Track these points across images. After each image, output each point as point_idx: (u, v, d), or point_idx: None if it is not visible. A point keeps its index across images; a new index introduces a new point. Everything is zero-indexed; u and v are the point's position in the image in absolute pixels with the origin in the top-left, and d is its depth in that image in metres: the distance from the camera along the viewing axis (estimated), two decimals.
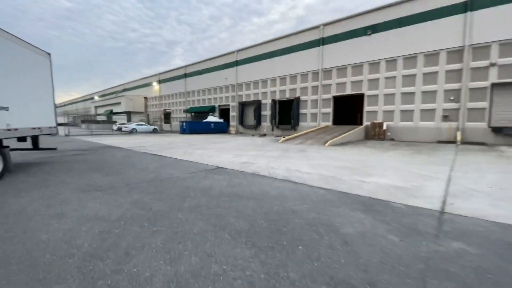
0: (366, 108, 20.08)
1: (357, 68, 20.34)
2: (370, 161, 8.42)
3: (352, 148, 12.85)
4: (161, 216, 3.46)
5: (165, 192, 4.63)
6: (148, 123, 43.30)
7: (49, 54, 8.51)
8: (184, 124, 27.83)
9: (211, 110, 33.32)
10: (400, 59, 18.38)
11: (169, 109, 42.63)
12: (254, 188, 4.93)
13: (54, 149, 8.73)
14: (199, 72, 35.35)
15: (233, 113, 31.08)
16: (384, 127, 18.55)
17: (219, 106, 33.03)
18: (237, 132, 30.23)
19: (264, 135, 25.78)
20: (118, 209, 3.77)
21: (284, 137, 21.74)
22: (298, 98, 23.80)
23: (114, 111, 51.69)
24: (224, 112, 32.95)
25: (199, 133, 27.51)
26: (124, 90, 56.13)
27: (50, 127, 8.11)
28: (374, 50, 19.46)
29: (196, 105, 36.48)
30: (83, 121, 49.24)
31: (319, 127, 21.02)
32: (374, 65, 19.52)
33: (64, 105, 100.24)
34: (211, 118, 30.46)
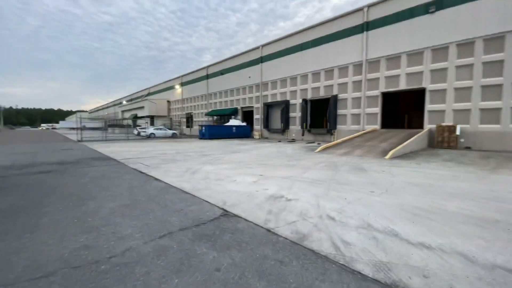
0: (428, 107, 15.54)
1: (415, 56, 15.91)
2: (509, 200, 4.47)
3: (430, 163, 8.74)
4: None
5: None
6: (171, 127, 41.72)
7: None
8: (203, 128, 25.09)
9: (233, 112, 30.36)
10: (479, 41, 13.71)
11: (190, 113, 40.61)
12: None
13: None
14: (221, 72, 32.68)
15: (257, 116, 27.76)
16: (458, 132, 13.92)
17: (242, 108, 29.93)
18: (262, 137, 26.85)
19: (293, 140, 22.08)
20: None
21: (318, 143, 17.89)
22: (335, 97, 19.78)
23: (138, 115, 51.31)
24: (247, 115, 29.79)
25: (219, 138, 24.57)
26: (149, 94, 55.80)
27: None
28: (439, 32, 14.95)
29: (218, 107, 33.81)
30: (109, 126, 49.54)
31: (364, 131, 16.85)
32: (439, 51, 14.99)
33: (97, 110, 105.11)
34: (233, 122, 27.46)
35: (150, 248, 2.69)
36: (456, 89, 14.49)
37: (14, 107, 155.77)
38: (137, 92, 64.57)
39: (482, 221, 3.47)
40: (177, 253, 2.59)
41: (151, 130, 28.93)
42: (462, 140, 14.13)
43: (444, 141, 14.35)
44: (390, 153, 10.20)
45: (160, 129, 29.84)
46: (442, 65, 14.92)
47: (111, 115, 79.35)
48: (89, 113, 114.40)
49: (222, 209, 3.96)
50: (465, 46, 14.16)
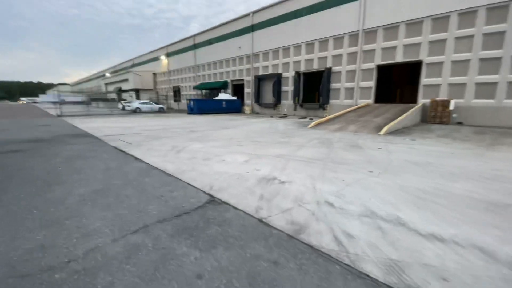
0: (424, 81, 15.11)
1: (414, 26, 15.09)
2: None
3: (425, 139, 8.50)
4: None
5: None
6: (158, 101, 40.06)
7: None
8: (191, 102, 24.03)
9: (223, 86, 29.13)
10: (481, 11, 12.99)
11: (178, 86, 38.87)
12: None
13: None
14: (210, 42, 30.72)
15: (248, 89, 26.76)
16: (451, 107, 13.71)
17: (232, 81, 28.69)
18: (253, 112, 26.14)
19: (285, 115, 21.55)
20: None
21: (311, 119, 17.46)
22: (329, 69, 18.99)
23: (123, 88, 48.87)
24: (238, 88, 28.68)
25: (208, 112, 23.71)
26: (134, 65, 52.71)
27: None
28: (440, 0, 14.06)
29: (207, 80, 32.33)
30: (93, 100, 47.24)
31: (357, 106, 16.45)
32: (440, 21, 14.22)
33: (80, 83, 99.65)
34: (222, 96, 26.42)
35: (120, 248, 2.26)
36: (453, 62, 14.01)
37: None
38: (120, 64, 60.92)
39: (491, 205, 3.20)
40: (152, 253, 2.17)
41: (136, 104, 27.59)
42: (454, 115, 13.99)
43: (437, 116, 14.18)
44: (385, 128, 9.91)
45: (146, 103, 28.51)
46: (441, 36, 14.25)
47: (94, 89, 75.46)
48: (72, 86, 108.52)
49: (209, 194, 3.54)
50: (467, 16, 13.43)
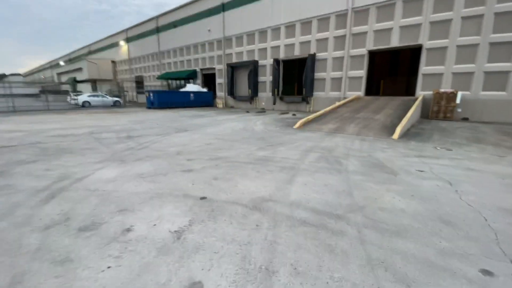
0: (423, 69, 12.90)
1: (414, 3, 12.70)
2: None
3: (461, 147, 5.99)
4: None
5: None
6: (119, 93, 34.94)
7: None
8: (151, 95, 20.09)
9: (191, 75, 25.33)
10: None
11: (141, 76, 34.09)
12: None
13: None
14: (174, 24, 26.52)
15: (220, 80, 23.30)
16: (458, 100, 11.64)
17: (202, 70, 24.97)
18: (226, 106, 22.83)
19: (263, 110, 18.58)
20: None
21: (293, 114, 14.64)
22: (313, 56, 16.21)
23: (78, 79, 42.60)
24: (209, 79, 25.10)
25: (172, 107, 19.99)
26: (90, 52, 46.19)
27: None
28: None
29: (173, 69, 28.21)
30: (41, 92, 40.60)
31: (347, 99, 13.88)
32: None
33: (32, 73, 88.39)
34: (190, 87, 22.71)
35: None
36: (459, 47, 11.87)
37: None
38: (76, 51, 53.55)
39: None
40: None
41: (84, 97, 22.90)
42: (459, 109, 11.99)
43: (440, 111, 12.08)
44: (398, 130, 7.32)
45: (97, 96, 23.89)
46: (445, 16, 11.99)
47: (48, 79, 66.62)
48: (24, 76, 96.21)
49: None
50: None
